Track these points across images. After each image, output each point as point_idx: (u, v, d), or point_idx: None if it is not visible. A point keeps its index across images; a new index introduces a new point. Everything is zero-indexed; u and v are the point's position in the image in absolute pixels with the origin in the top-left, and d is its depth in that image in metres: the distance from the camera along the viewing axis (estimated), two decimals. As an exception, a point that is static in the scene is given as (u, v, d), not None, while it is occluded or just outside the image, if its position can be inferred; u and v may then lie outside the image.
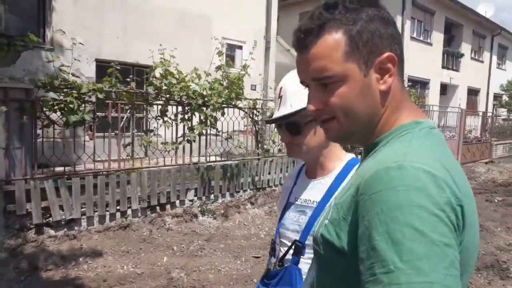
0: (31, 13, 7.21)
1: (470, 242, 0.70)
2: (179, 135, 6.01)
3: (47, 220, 4.73)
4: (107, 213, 5.20)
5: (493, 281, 4.32)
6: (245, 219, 6.09)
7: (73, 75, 5.12)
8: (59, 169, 5.19)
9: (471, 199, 0.72)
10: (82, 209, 4.98)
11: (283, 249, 1.38)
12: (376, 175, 0.67)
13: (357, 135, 0.84)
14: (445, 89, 19.75)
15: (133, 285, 3.96)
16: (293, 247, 1.33)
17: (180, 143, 5.96)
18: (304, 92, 1.06)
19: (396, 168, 0.66)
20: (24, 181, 4.63)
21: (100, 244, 4.80)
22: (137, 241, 5.00)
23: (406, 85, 1.01)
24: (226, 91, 6.23)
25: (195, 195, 6.04)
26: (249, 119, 7.05)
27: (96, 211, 5.11)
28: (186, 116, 6.02)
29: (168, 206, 5.76)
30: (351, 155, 1.37)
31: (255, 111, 7.14)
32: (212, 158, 6.61)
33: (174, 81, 5.77)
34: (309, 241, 1.26)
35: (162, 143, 5.80)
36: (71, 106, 4.71)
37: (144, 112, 6.49)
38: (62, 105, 4.77)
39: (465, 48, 20.38)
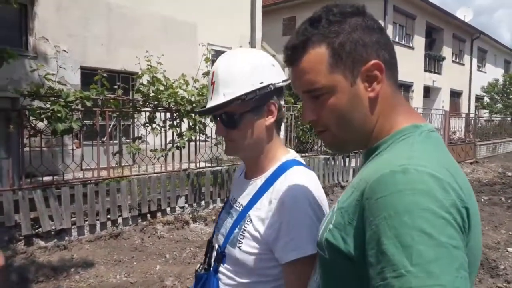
0: (13, 20, 7.10)
1: (475, 243, 0.70)
2: (168, 141, 5.96)
3: (37, 231, 4.63)
4: (98, 222, 5.11)
5: (484, 279, 4.37)
6: (236, 224, 6.06)
7: (59, 83, 5.04)
8: (48, 178, 5.10)
9: (474, 200, 0.73)
10: (72, 219, 4.88)
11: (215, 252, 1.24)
12: (381, 179, 0.68)
13: (352, 143, 0.87)
14: (428, 92, 20.08)
15: (127, 294, 3.89)
16: (214, 253, 1.21)
17: (169, 149, 5.91)
18: (239, 78, 1.08)
19: (401, 172, 0.66)
20: (12, 191, 4.53)
21: (92, 253, 4.71)
22: (129, 249, 4.92)
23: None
24: (215, 96, 6.21)
25: (186, 202, 5.99)
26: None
27: (87, 221, 5.02)
28: (175, 123, 5.98)
29: (159, 214, 5.70)
30: (291, 156, 1.21)
31: (243, 116, 7.13)
32: (202, 164, 6.57)
33: (162, 88, 5.73)
34: (228, 250, 1.13)
35: (151, 150, 5.74)
36: (59, 114, 4.64)
37: (132, 119, 6.42)
38: (49, 114, 4.69)
39: (446, 51, 20.80)
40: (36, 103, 4.89)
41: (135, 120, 6.15)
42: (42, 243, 4.63)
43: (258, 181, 1.16)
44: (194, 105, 5.97)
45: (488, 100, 24.07)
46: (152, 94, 5.68)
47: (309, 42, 0.80)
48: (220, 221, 1.25)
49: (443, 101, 20.38)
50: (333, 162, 8.52)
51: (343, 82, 0.79)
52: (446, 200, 0.63)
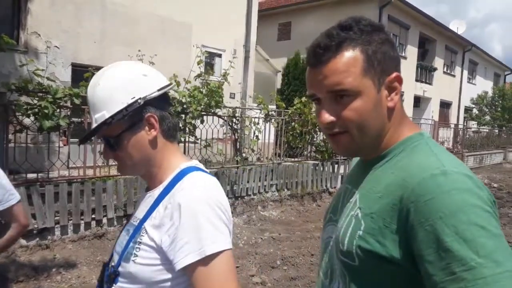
0: (5, 14, 7.01)
1: None
2: (157, 142, 5.91)
3: (18, 228, 4.54)
4: (82, 221, 5.05)
5: None
6: (223, 228, 6.02)
7: (48, 79, 4.98)
8: (32, 176, 5.01)
9: None
10: (56, 218, 4.81)
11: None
12: (424, 182, 0.74)
13: (365, 149, 0.91)
14: (419, 102, 20.26)
15: (108, 296, 3.83)
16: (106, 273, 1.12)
17: (158, 150, 5.85)
18: (106, 99, 1.03)
19: (441, 175, 0.73)
20: (-6, 188, 4.44)
21: (75, 254, 4.65)
22: (112, 250, 4.86)
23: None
24: (206, 99, 6.19)
25: (173, 204, 5.93)
26: (228, 127, 7.02)
27: (71, 220, 4.95)
28: (165, 123, 5.93)
29: (144, 215, 5.63)
30: (191, 163, 1.14)
31: (234, 119, 7.12)
32: (190, 166, 6.52)
33: (153, 88, 5.68)
34: (122, 267, 1.05)
35: (139, 150, 5.68)
36: (46, 111, 4.58)
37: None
38: (36, 110, 4.63)
39: (438, 62, 21.01)
40: (24, 98, 4.81)
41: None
42: (23, 241, 4.55)
43: (156, 192, 1.10)
44: (184, 106, 5.94)
45: (477, 112, 24.35)
46: (142, 94, 5.63)
47: (343, 44, 0.84)
48: (119, 240, 1.15)
49: (432, 111, 20.57)
50: (321, 168, 8.54)
51: (372, 87, 0.85)
52: (485, 195, 0.72)
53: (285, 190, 7.82)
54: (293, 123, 8.35)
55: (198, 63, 6.43)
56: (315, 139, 9.04)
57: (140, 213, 1.11)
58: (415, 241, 0.72)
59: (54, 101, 4.73)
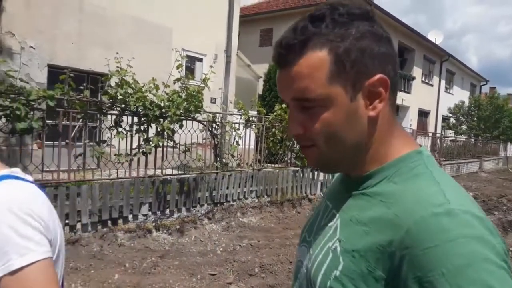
0: (-22, 13, 6.80)
1: None
2: (134, 146, 5.80)
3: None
4: (54, 227, 4.87)
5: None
6: (201, 234, 5.93)
7: (21, 80, 4.83)
8: (2, 179, 4.82)
9: None
10: (26, 223, 4.63)
11: None
12: (424, 224, 0.59)
13: (341, 165, 0.77)
14: (398, 110, 20.59)
15: (79, 305, 3.70)
16: None
17: (134, 155, 5.74)
18: None
19: (446, 215, 0.58)
20: (-40, 192, 4.26)
21: (44, 261, 4.48)
22: (86, 257, 4.72)
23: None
24: (185, 103, 6.11)
25: (150, 210, 5.82)
26: (208, 132, 6.95)
27: (42, 225, 4.77)
28: (142, 127, 5.83)
29: (120, 221, 5.50)
30: (5, 172, 1.00)
31: (214, 124, 7.06)
32: (169, 171, 6.42)
33: (131, 91, 5.58)
34: None
35: (115, 154, 5.56)
36: (18, 112, 4.43)
37: (98, 121, 6.23)
38: (8, 112, 4.47)
39: (417, 71, 21.45)
40: (-5, 99, 4.65)
41: (101, 122, 5.97)
42: (-9, 247, 4.37)
43: None
44: (163, 110, 5.85)
45: (454, 121, 24.91)
46: (120, 97, 5.52)
47: (309, 43, 0.68)
48: None
49: (411, 120, 20.95)
50: (301, 175, 8.54)
51: (342, 95, 0.68)
52: (498, 244, 0.57)
53: (265, 196, 7.77)
54: (273, 129, 8.33)
55: (178, 67, 6.35)
56: (295, 146, 9.04)
57: None
58: None
59: (27, 103, 4.58)
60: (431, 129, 23.10)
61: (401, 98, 19.86)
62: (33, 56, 7.12)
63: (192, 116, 6.41)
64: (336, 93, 0.68)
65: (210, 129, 6.97)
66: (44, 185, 4.91)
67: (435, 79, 23.97)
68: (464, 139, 21.47)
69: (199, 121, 6.70)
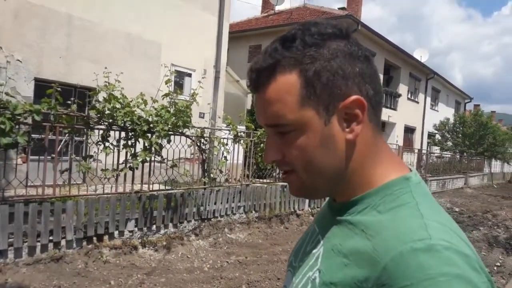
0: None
1: None
2: (121, 161, 5.75)
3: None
4: (38, 243, 4.77)
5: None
6: (188, 251, 5.86)
7: (7, 94, 4.78)
8: (-15, 195, 4.73)
9: None
10: (10, 240, 4.53)
11: None
12: (401, 260, 0.55)
13: (322, 191, 0.73)
14: (384, 127, 20.81)
15: (62, 324, 3.61)
16: None
17: (121, 170, 5.69)
18: None
19: (425, 251, 0.54)
20: None
21: (29, 278, 4.37)
22: (70, 274, 4.62)
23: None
24: (173, 118, 6.10)
25: (136, 226, 5.74)
26: (196, 147, 6.93)
27: (26, 242, 4.67)
28: (130, 142, 5.79)
29: (106, 237, 5.41)
30: None
31: (202, 140, 7.04)
32: (156, 187, 6.36)
33: (118, 106, 5.56)
34: None
35: (102, 169, 5.50)
36: (3, 126, 4.37)
37: (85, 136, 6.17)
38: (-7, 126, 4.41)
39: (402, 89, 21.78)
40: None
41: (88, 137, 5.91)
42: (-29, 265, 4.26)
43: None
44: (151, 125, 5.83)
45: (440, 138, 25.26)
46: (107, 112, 5.49)
47: (278, 67, 0.66)
48: None
49: (397, 136, 21.17)
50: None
51: (316, 119, 0.66)
52: (482, 284, 0.53)
53: (253, 212, 7.74)
54: (262, 145, 8.35)
55: (166, 82, 6.35)
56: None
57: None
58: None
59: (13, 117, 4.52)
60: (417, 145, 23.36)
61: (388, 114, 20.11)
62: (19, 69, 7.06)
63: (180, 131, 6.40)
64: (309, 117, 0.66)
65: (198, 144, 6.96)
66: (28, 201, 4.82)
67: (421, 96, 24.37)
68: (449, 156, 21.76)
69: (187, 136, 6.68)
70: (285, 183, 8.54)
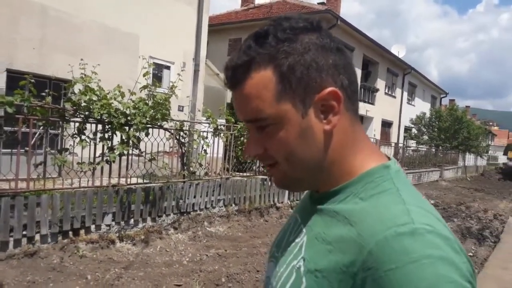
0: None
1: None
2: (97, 154, 5.65)
3: None
4: (11, 238, 4.65)
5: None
6: (167, 245, 5.82)
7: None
8: (-46, 189, 4.58)
9: None
10: (-20, 235, 4.40)
11: None
12: (386, 244, 0.56)
13: (305, 183, 0.75)
14: (362, 121, 21.09)
15: (37, 320, 3.54)
16: None
17: (98, 163, 5.59)
18: None
19: (409, 234, 0.56)
20: None
21: (1, 274, 4.26)
22: (45, 270, 4.52)
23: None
24: (151, 111, 6.02)
25: (113, 220, 5.66)
26: (175, 141, 6.87)
27: (-3, 237, 4.55)
28: (106, 135, 5.69)
29: (82, 231, 5.32)
30: None
31: (181, 133, 6.98)
32: (134, 180, 6.28)
33: (95, 98, 5.45)
34: None
35: (78, 163, 5.39)
36: (-27, 118, 4.23)
37: (60, 129, 6.03)
38: (-38, 117, 4.26)
39: (380, 83, 22.09)
40: None
41: (64, 130, 5.78)
42: None
43: None
44: (129, 118, 5.73)
45: (416, 132, 25.76)
46: (83, 104, 5.37)
47: (252, 64, 0.67)
48: None
49: (374, 130, 21.50)
50: (269, 183, 8.56)
51: (293, 112, 0.67)
52: (462, 264, 0.56)
53: (233, 205, 7.74)
54: (242, 138, 8.34)
55: (144, 75, 6.25)
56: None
57: None
58: None
59: (-17, 108, 4.38)
60: (393, 139, 23.77)
61: (366, 109, 20.37)
62: (-9, 60, 6.85)
63: (159, 124, 6.32)
64: (286, 110, 0.67)
65: (177, 137, 6.89)
66: (1, 195, 4.69)
67: (398, 91, 24.76)
68: (425, 149, 22.23)
69: (166, 129, 6.61)
70: (265, 177, 8.58)
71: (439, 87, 32.43)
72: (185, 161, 7.09)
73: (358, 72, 19.48)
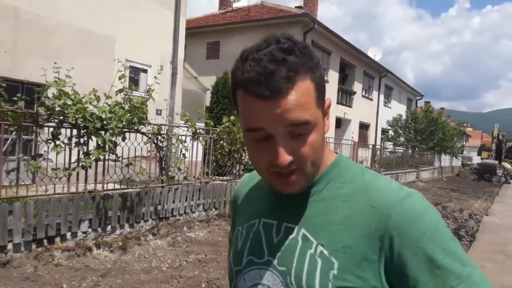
0: None
1: None
2: (73, 160, 5.51)
3: None
4: (-19, 249, 4.49)
5: None
6: (145, 251, 5.72)
7: None
8: None
9: None
10: None
11: None
12: (399, 207, 0.75)
13: (310, 182, 0.83)
14: (340, 123, 21.32)
15: (9, 333, 3.41)
16: None
17: (73, 169, 5.45)
18: None
19: (408, 196, 0.77)
20: None
21: (-30, 286, 4.10)
22: (18, 279, 4.37)
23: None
24: (128, 115, 5.92)
25: (90, 227, 5.53)
26: (153, 145, 6.77)
27: (-33, 247, 4.38)
28: (82, 140, 5.56)
29: (57, 239, 5.17)
30: None
31: (159, 137, 6.89)
32: (111, 186, 6.16)
33: (70, 102, 5.32)
34: None
35: (52, 169, 5.25)
36: None
37: (34, 134, 5.87)
38: None
39: (357, 86, 22.39)
40: None
41: (37, 135, 5.63)
42: None
43: None
44: (104, 122, 5.62)
45: (393, 133, 26.20)
46: (58, 109, 5.24)
47: (297, 73, 0.71)
48: None
49: (352, 132, 21.75)
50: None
51: (321, 117, 0.78)
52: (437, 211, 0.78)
53: (213, 209, 7.68)
54: (221, 142, 8.29)
55: (120, 78, 6.15)
56: (243, 158, 9.04)
57: None
58: (405, 266, 0.71)
59: (-49, 113, 4.22)
60: (371, 141, 24.12)
61: (343, 111, 20.60)
62: (-40, 64, 6.62)
63: (135, 128, 6.22)
64: (320, 116, 0.77)
65: (155, 141, 6.80)
66: (-29, 203, 4.52)
67: (375, 94, 25.15)
68: (402, 151, 22.61)
69: (143, 133, 6.51)
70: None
71: (415, 89, 33.10)
72: (163, 166, 7.00)
73: (336, 75, 19.70)
